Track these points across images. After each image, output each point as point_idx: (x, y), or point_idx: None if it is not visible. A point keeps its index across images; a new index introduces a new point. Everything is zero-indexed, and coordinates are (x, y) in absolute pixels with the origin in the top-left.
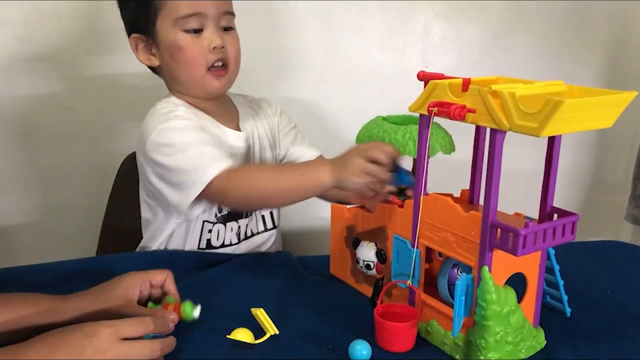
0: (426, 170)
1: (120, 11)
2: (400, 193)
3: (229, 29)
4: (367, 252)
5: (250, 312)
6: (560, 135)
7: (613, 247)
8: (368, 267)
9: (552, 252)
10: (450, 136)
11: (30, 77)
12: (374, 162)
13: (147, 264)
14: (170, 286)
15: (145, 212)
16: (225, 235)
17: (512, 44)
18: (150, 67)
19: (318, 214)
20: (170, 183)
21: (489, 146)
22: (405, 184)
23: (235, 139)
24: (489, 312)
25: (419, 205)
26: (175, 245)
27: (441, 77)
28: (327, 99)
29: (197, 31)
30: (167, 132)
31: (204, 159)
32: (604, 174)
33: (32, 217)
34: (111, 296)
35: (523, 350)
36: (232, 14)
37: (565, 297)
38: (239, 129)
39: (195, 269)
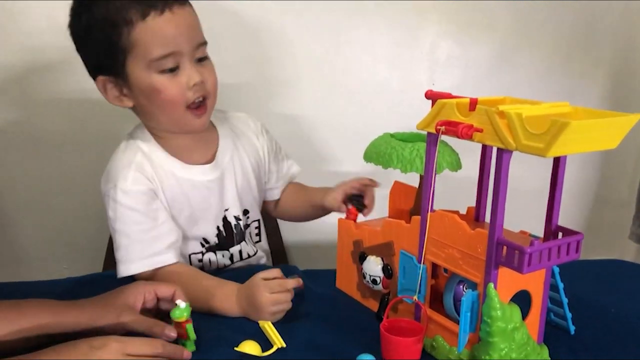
0: (433, 187)
1: (78, 51)
2: (357, 202)
3: (203, 59)
4: (374, 267)
5: (258, 324)
6: (566, 155)
7: (617, 265)
8: (374, 282)
9: (556, 270)
10: (457, 154)
11: (43, 88)
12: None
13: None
14: (182, 298)
15: None
16: (218, 261)
17: (517, 62)
18: None
19: (325, 228)
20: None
21: (496, 165)
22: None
23: (203, 174)
24: (494, 329)
25: (426, 221)
26: None
27: (448, 96)
28: (334, 115)
29: (173, 69)
30: (112, 203)
31: (131, 254)
32: (608, 192)
33: (41, 227)
34: (114, 304)
35: None
36: (205, 43)
37: (569, 315)
38: (212, 159)
39: None
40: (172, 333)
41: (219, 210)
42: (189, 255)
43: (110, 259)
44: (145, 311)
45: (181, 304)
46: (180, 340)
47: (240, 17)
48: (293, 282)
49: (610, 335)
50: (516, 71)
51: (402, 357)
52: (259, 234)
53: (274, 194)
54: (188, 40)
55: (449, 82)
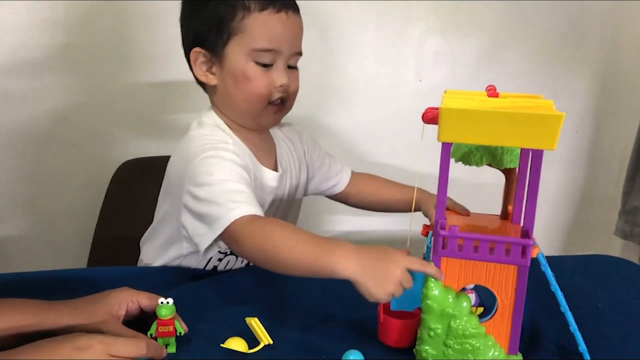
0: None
1: (183, 19)
2: None
3: (294, 67)
4: None
5: (245, 321)
6: (541, 152)
7: (603, 261)
8: None
9: (558, 293)
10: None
11: (25, 85)
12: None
13: (136, 277)
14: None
15: (164, 227)
16: (235, 265)
17: (505, 58)
18: (198, 81)
19: (324, 226)
20: (196, 213)
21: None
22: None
23: (270, 178)
24: (423, 306)
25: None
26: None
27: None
28: (320, 112)
29: (267, 65)
30: (211, 159)
31: (235, 197)
32: (594, 189)
33: (24, 225)
34: (95, 310)
35: None
36: (300, 54)
37: (583, 348)
38: (275, 168)
39: (188, 280)
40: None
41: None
42: (210, 257)
43: (94, 258)
44: (127, 316)
45: (167, 301)
46: (160, 340)
47: None
48: (434, 272)
49: (597, 330)
50: (503, 67)
51: (398, 338)
52: None
53: (336, 188)
54: (290, 45)
55: (436, 78)
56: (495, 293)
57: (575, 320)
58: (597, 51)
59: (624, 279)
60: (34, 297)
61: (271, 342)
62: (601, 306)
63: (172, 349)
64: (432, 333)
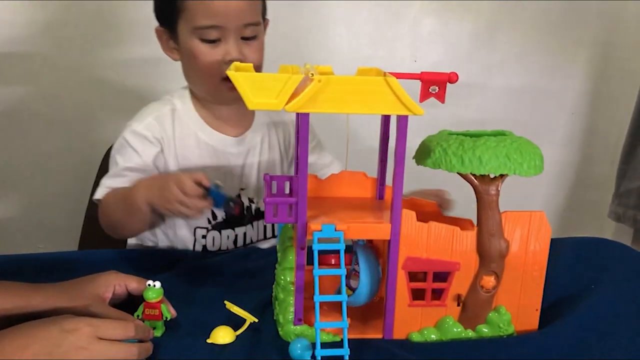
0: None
1: None
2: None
3: (251, 38)
4: None
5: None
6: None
7: (596, 243)
8: None
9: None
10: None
11: (12, 64)
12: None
13: (126, 259)
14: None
15: None
16: (222, 242)
17: (500, 39)
18: None
19: None
20: None
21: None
22: (221, 203)
23: (225, 145)
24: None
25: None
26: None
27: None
28: None
29: (214, 41)
30: (121, 138)
31: (105, 180)
32: (588, 172)
33: (14, 207)
34: (83, 293)
35: None
36: (256, 24)
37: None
38: (239, 134)
39: (177, 265)
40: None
41: (233, 187)
42: (195, 229)
43: (86, 238)
44: (114, 299)
45: (155, 284)
46: (147, 322)
47: None
48: (204, 203)
49: (589, 311)
50: (498, 48)
51: None
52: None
53: None
54: (235, 18)
55: (431, 58)
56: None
57: (568, 301)
58: (594, 34)
59: (617, 261)
60: (21, 279)
61: (256, 320)
62: (593, 287)
63: (157, 333)
64: (279, 280)
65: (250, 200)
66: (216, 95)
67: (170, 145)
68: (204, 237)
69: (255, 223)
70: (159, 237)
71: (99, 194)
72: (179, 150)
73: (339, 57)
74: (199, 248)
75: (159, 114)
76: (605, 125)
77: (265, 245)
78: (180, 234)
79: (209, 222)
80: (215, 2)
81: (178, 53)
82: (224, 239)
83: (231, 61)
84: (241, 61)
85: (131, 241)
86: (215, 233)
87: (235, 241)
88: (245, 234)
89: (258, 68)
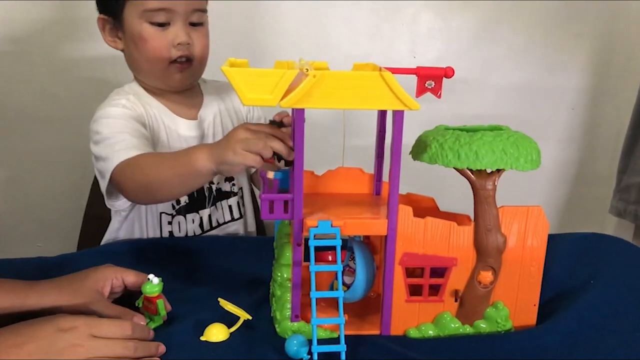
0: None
1: None
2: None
3: (198, 24)
4: None
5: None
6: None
7: (597, 239)
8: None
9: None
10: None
11: (9, 61)
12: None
13: (115, 254)
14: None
15: None
16: (187, 227)
17: (499, 35)
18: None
19: None
20: (97, 171)
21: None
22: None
23: (187, 128)
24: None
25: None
26: (135, 236)
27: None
28: None
29: (164, 24)
30: (101, 119)
31: (115, 147)
32: (589, 167)
33: (13, 203)
34: (80, 288)
35: None
36: (203, 11)
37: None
38: (195, 118)
39: (169, 256)
40: (142, 321)
41: None
42: (160, 214)
43: (85, 236)
44: (112, 293)
45: (154, 279)
46: (146, 313)
47: None
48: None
49: (589, 306)
50: (497, 44)
51: None
52: (243, 205)
53: None
54: (184, 3)
55: (430, 54)
56: None
57: (568, 296)
58: (594, 28)
59: (617, 257)
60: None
61: (250, 317)
62: (593, 283)
63: (152, 325)
64: (274, 275)
65: (210, 182)
66: (165, 80)
67: (147, 126)
68: (169, 223)
69: (218, 204)
70: (127, 230)
71: (124, 156)
72: (153, 134)
73: (338, 53)
74: (165, 235)
75: (128, 98)
76: (606, 121)
77: (231, 228)
78: (145, 222)
79: (173, 207)
80: None
81: (122, 42)
82: (189, 223)
83: (179, 44)
84: (189, 45)
85: (108, 236)
86: (180, 218)
87: (201, 224)
88: (210, 216)
89: (203, 54)
